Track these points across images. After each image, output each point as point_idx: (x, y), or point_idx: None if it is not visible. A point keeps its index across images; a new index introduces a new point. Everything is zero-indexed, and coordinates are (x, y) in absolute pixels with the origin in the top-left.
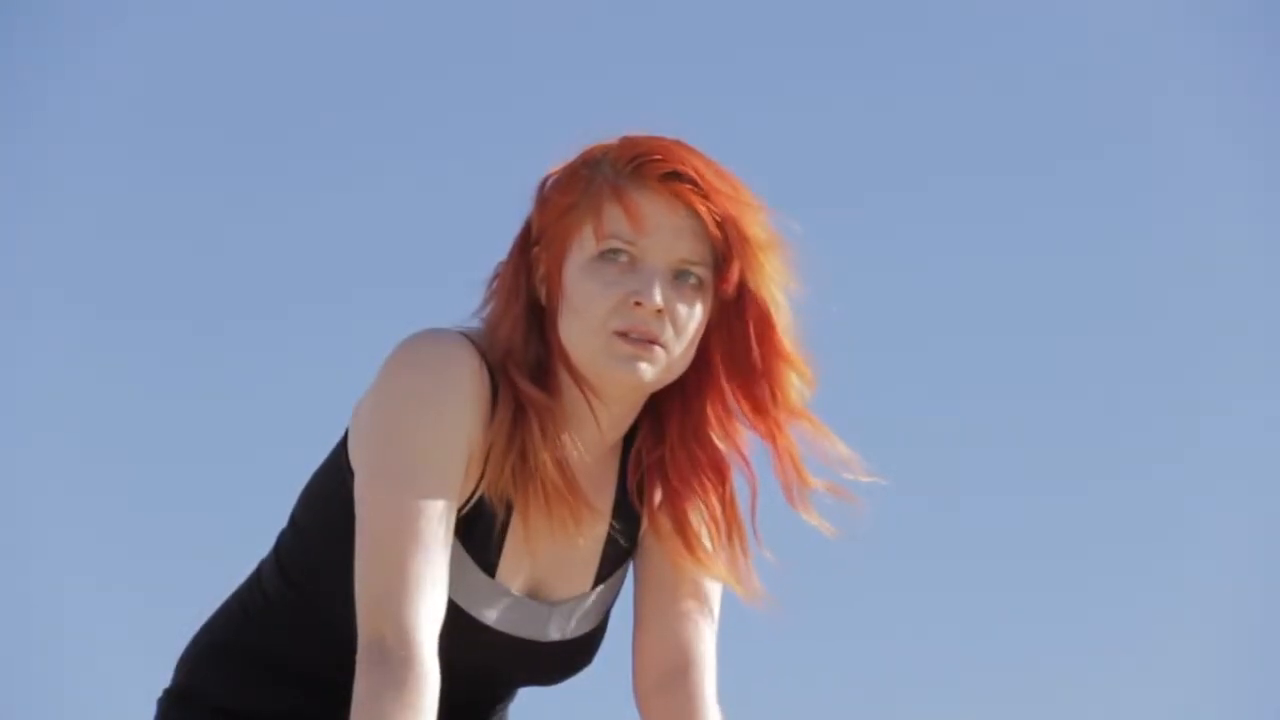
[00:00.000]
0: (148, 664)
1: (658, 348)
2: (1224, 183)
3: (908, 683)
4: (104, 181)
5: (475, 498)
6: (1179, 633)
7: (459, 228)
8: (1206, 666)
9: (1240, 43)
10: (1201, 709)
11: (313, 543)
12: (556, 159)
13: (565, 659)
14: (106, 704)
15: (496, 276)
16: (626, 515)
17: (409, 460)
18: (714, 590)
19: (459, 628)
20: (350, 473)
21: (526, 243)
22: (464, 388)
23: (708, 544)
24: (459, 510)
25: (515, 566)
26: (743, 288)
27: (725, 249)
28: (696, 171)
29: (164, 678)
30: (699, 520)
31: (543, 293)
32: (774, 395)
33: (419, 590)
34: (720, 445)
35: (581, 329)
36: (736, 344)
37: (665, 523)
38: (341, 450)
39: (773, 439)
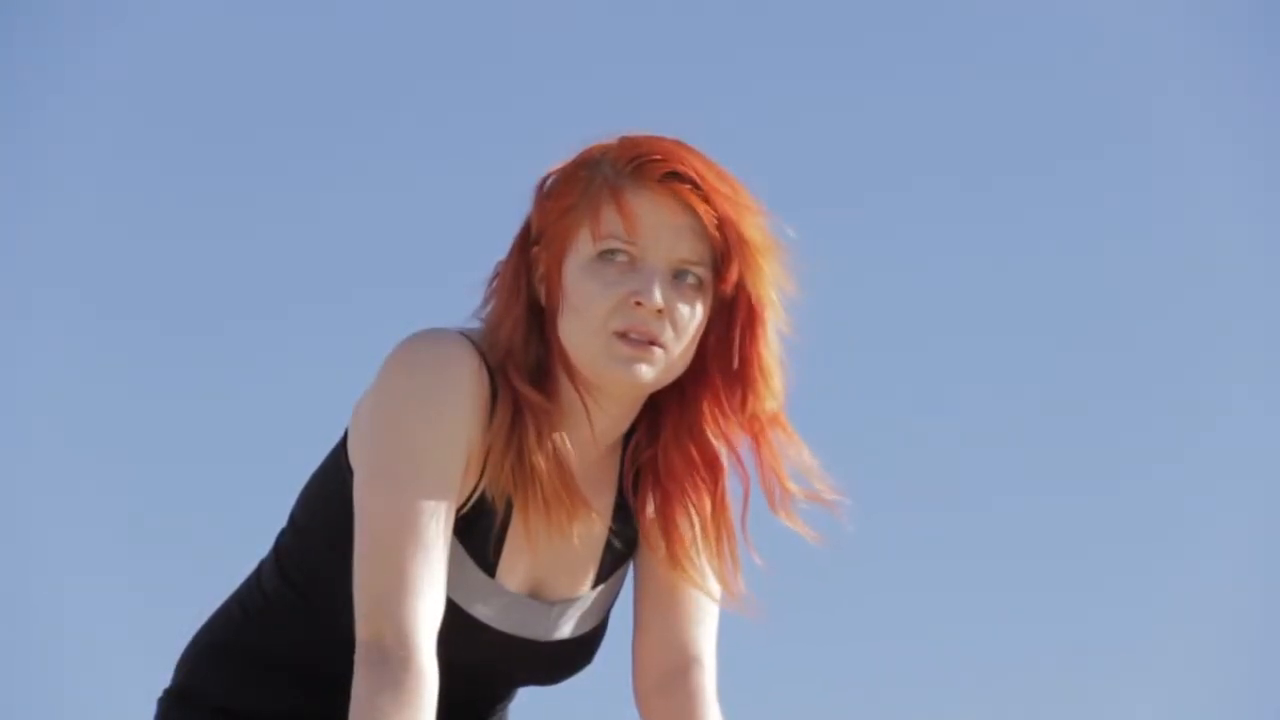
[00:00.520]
0: (148, 664)
1: (657, 349)
2: (1224, 183)
3: (908, 683)
4: (104, 181)
5: (475, 497)
6: (1179, 633)
7: (459, 228)
8: (1207, 666)
9: (1240, 43)
10: (1201, 709)
11: (312, 543)
12: (556, 159)
13: (565, 658)
14: (106, 704)
15: (496, 277)
16: (626, 515)
17: (408, 460)
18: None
19: (458, 627)
20: (350, 472)
21: (526, 243)
22: (464, 388)
23: (693, 552)
24: (458, 510)
25: (515, 566)
26: (739, 289)
27: (724, 250)
28: (696, 172)
29: (164, 678)
30: (687, 525)
31: (542, 293)
32: (745, 399)
33: (418, 590)
34: (716, 443)
35: (581, 329)
36: (724, 344)
37: (652, 528)
38: (341, 450)
39: (755, 441)
